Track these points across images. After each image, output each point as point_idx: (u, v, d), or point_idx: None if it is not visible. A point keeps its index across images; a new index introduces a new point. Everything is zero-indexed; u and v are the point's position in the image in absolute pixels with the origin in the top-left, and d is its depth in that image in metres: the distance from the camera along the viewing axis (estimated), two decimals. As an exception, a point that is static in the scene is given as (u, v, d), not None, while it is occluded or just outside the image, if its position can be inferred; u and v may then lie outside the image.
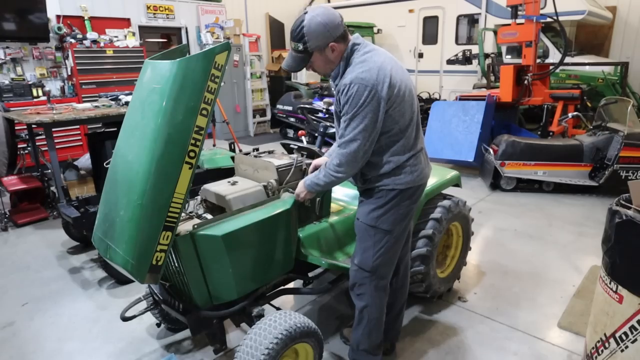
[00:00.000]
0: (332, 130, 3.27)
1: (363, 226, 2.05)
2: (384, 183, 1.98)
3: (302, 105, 7.73)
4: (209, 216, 2.21)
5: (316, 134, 3.04)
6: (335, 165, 1.92)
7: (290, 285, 2.57)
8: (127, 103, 4.89)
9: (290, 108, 8.12)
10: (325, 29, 1.81)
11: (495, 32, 8.65)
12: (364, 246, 2.06)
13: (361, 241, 2.08)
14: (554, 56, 7.98)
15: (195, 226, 1.94)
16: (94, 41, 6.89)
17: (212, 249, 1.95)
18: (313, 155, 2.43)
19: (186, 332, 2.67)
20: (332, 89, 2.09)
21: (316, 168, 2.25)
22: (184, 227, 1.98)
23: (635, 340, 1.72)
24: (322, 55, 1.88)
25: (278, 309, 2.30)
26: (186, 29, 8.85)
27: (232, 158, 2.69)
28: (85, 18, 7.21)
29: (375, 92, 1.80)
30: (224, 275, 2.03)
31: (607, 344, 1.84)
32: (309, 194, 2.12)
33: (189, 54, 1.78)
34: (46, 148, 4.44)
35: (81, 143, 6.65)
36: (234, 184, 2.35)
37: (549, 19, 6.32)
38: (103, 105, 4.91)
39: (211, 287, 2.05)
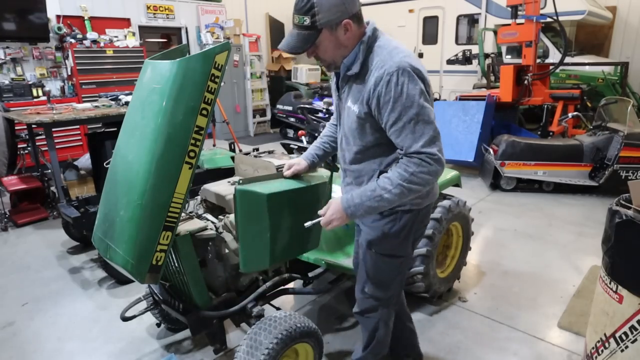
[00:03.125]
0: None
1: (377, 256, 1.77)
2: (404, 203, 1.65)
3: (302, 105, 7.73)
4: (209, 216, 2.21)
5: (316, 134, 3.03)
6: (418, 181, 1.47)
7: (290, 285, 2.57)
8: (127, 103, 4.89)
9: (290, 108, 8.13)
10: (340, 0, 1.48)
11: (495, 32, 8.65)
12: (379, 278, 1.81)
13: (374, 272, 1.81)
14: (554, 56, 7.98)
15: (240, 181, 1.86)
16: (94, 41, 6.89)
17: (254, 208, 1.83)
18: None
19: (186, 332, 2.67)
20: (333, 84, 1.79)
21: (289, 168, 1.95)
22: (184, 227, 1.98)
23: (635, 340, 1.72)
24: (332, 35, 1.52)
25: (278, 309, 2.31)
26: (186, 29, 8.84)
27: (232, 158, 2.69)
28: (85, 18, 7.21)
29: (426, 82, 1.52)
30: (261, 239, 1.88)
31: (607, 344, 1.84)
32: (345, 220, 1.62)
33: (189, 54, 1.78)
34: (46, 148, 4.44)
35: (81, 143, 6.65)
36: (234, 184, 2.35)
37: (549, 19, 6.32)
38: (103, 105, 4.92)
39: (245, 254, 1.91)
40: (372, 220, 1.74)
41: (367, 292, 1.86)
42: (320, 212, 1.68)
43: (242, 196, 1.82)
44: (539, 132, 6.38)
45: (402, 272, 1.85)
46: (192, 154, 1.73)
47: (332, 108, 1.99)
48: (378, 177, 1.61)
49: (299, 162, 1.97)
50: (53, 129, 4.30)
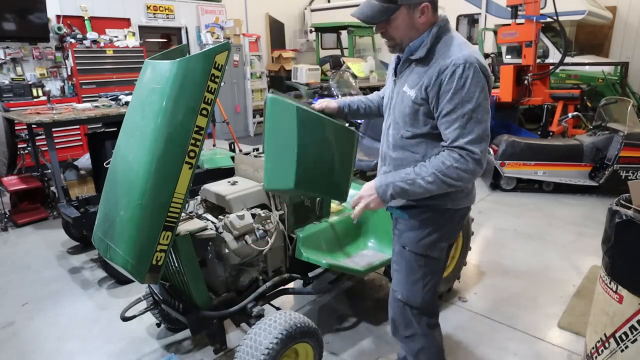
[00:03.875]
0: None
1: (411, 255, 1.73)
2: (441, 202, 1.63)
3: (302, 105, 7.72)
4: (209, 216, 2.22)
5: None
6: (454, 175, 1.47)
7: (290, 285, 2.57)
8: (127, 103, 4.88)
9: (290, 108, 8.11)
10: None
11: (495, 32, 8.65)
12: (413, 279, 1.75)
13: (407, 273, 1.76)
14: (554, 56, 7.98)
15: (272, 91, 1.80)
16: (94, 41, 6.88)
17: (283, 117, 1.71)
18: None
19: (186, 332, 2.67)
20: (391, 68, 1.74)
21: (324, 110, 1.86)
22: (184, 227, 1.98)
23: (635, 340, 1.72)
24: (408, 15, 1.49)
25: (278, 309, 2.31)
26: (186, 29, 8.84)
27: (232, 158, 2.69)
28: (85, 18, 7.21)
29: (489, 82, 1.50)
30: (287, 153, 1.73)
31: (607, 344, 1.84)
32: (375, 200, 1.59)
33: (189, 54, 1.77)
34: (46, 148, 4.43)
35: (81, 143, 6.65)
36: (234, 184, 2.35)
37: (549, 19, 6.32)
38: (103, 105, 4.91)
39: (269, 167, 1.78)
40: (409, 216, 1.71)
41: (400, 299, 1.81)
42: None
43: (273, 104, 1.72)
44: (539, 132, 6.38)
45: (435, 277, 1.78)
46: (192, 154, 1.73)
47: (382, 91, 2.00)
48: None
49: (329, 101, 1.92)
50: (53, 129, 4.30)
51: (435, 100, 1.50)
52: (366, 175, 2.93)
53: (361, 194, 1.62)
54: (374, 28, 1.56)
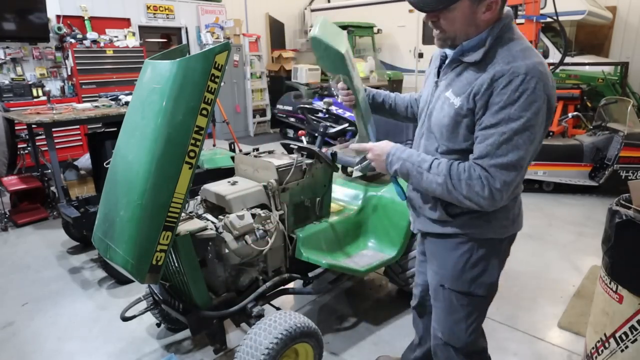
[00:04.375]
0: (332, 130, 3.26)
1: (451, 294, 1.52)
2: (482, 230, 1.42)
3: (302, 105, 7.73)
4: (209, 216, 2.22)
5: (316, 134, 3.03)
6: (463, 191, 1.29)
7: (290, 285, 2.57)
8: (127, 103, 4.88)
9: (290, 108, 8.13)
10: None
11: (495, 32, 8.63)
12: (454, 318, 1.55)
13: (447, 312, 1.56)
14: (554, 56, 7.98)
15: (311, 28, 1.77)
16: (94, 41, 6.89)
17: (331, 55, 1.71)
18: (313, 155, 2.43)
19: (186, 332, 2.67)
20: (433, 68, 1.54)
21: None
22: (184, 227, 1.98)
23: (635, 340, 1.72)
24: (471, 8, 1.26)
25: (278, 309, 2.31)
26: (186, 29, 8.84)
27: (232, 158, 2.69)
28: (85, 18, 7.21)
29: (551, 99, 1.26)
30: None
31: (607, 344, 1.84)
32: (380, 163, 1.48)
33: (189, 54, 1.77)
34: (46, 148, 4.44)
35: (81, 143, 6.65)
36: (234, 184, 2.35)
37: (549, 19, 6.31)
38: (103, 105, 4.91)
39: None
40: (444, 250, 1.50)
41: (441, 338, 1.63)
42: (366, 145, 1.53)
43: (317, 45, 1.67)
44: (539, 132, 6.37)
45: (481, 316, 1.57)
46: (192, 154, 1.73)
47: (417, 93, 1.81)
48: None
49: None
50: (53, 129, 4.30)
51: (481, 109, 1.27)
52: (366, 176, 2.93)
53: (373, 147, 1.49)
54: (425, 16, 1.36)
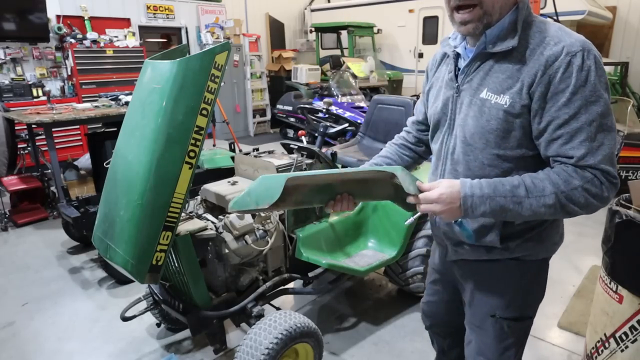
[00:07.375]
0: (332, 130, 3.26)
1: (502, 323, 1.37)
2: (534, 252, 1.29)
3: (302, 105, 7.73)
4: (209, 216, 2.22)
5: (316, 134, 3.03)
6: (581, 200, 1.08)
7: (290, 285, 2.57)
8: (127, 103, 4.88)
9: (290, 108, 8.13)
10: None
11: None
12: (504, 345, 1.40)
13: (498, 340, 1.40)
14: (554, 56, 7.98)
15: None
16: (94, 41, 6.88)
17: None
18: (313, 155, 2.43)
19: (186, 332, 2.67)
20: (446, 73, 1.32)
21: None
22: (184, 227, 1.98)
23: (635, 340, 1.72)
24: None
25: (278, 309, 2.31)
26: (186, 29, 8.84)
27: (232, 158, 2.69)
28: (85, 18, 7.21)
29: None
30: None
31: (607, 344, 1.84)
32: (454, 212, 1.13)
33: (189, 54, 1.78)
34: (46, 148, 4.44)
35: (81, 143, 6.65)
36: (234, 184, 2.35)
37: (549, 19, 6.31)
38: (103, 105, 4.91)
39: None
40: (493, 277, 1.33)
41: None
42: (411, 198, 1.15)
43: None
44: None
45: (526, 338, 1.47)
46: (192, 154, 1.73)
47: (414, 117, 1.57)
48: None
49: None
50: (53, 129, 4.29)
51: (541, 103, 1.10)
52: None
53: (438, 198, 1.11)
54: None
